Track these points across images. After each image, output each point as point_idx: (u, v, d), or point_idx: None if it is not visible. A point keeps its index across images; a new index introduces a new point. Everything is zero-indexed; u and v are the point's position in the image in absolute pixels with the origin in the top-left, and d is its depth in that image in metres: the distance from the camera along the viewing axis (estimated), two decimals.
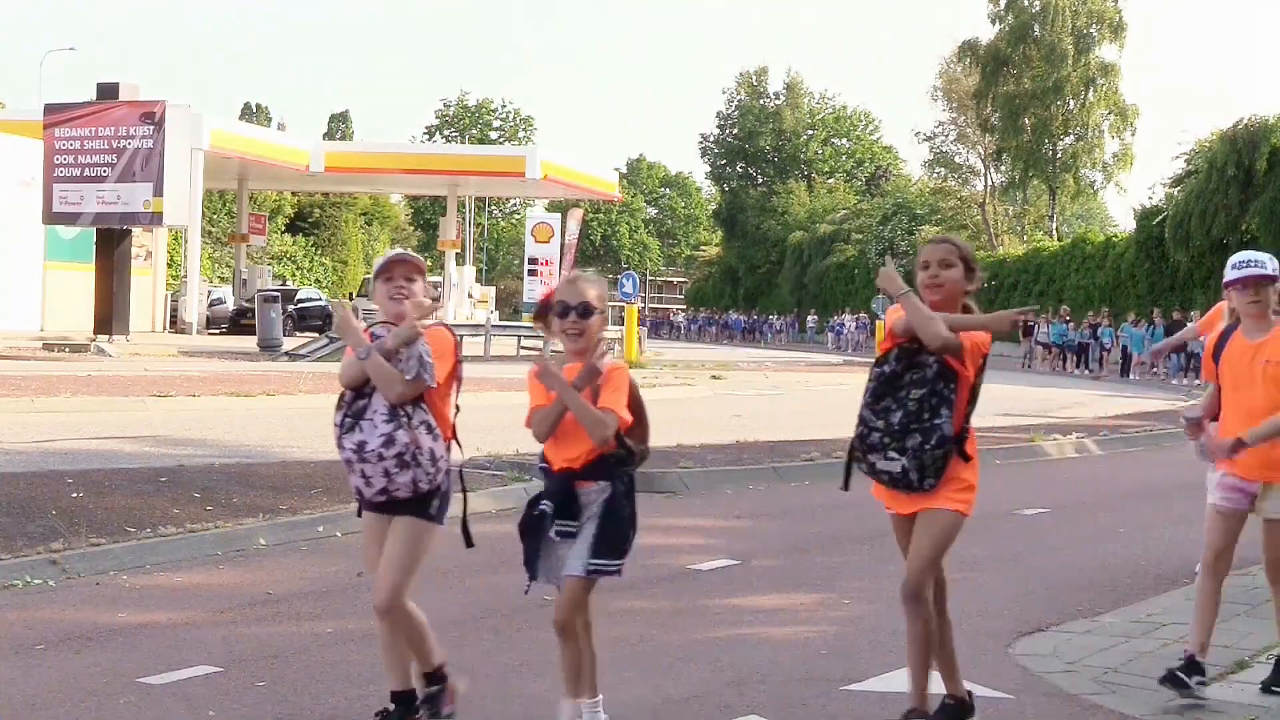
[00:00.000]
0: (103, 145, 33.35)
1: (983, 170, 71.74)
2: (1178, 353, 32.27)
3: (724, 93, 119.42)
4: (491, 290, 56.21)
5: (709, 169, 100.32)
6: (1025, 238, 67.63)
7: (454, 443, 4.85)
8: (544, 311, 4.72)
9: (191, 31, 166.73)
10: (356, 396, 4.70)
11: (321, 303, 51.04)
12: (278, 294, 35.75)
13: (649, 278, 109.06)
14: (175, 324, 45.35)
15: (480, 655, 6.08)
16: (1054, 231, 65.36)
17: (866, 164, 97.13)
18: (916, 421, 4.57)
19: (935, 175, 76.16)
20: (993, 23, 64.63)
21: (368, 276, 62.17)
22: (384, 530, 4.78)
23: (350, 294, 56.98)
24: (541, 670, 5.82)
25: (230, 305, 48.36)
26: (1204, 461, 5.60)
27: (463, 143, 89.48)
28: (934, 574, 4.75)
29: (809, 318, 74.38)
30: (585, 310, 4.62)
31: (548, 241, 49.56)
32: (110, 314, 33.24)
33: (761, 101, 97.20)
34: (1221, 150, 41.21)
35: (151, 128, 33.05)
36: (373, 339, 4.69)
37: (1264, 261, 5.41)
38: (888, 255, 4.99)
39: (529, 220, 55.12)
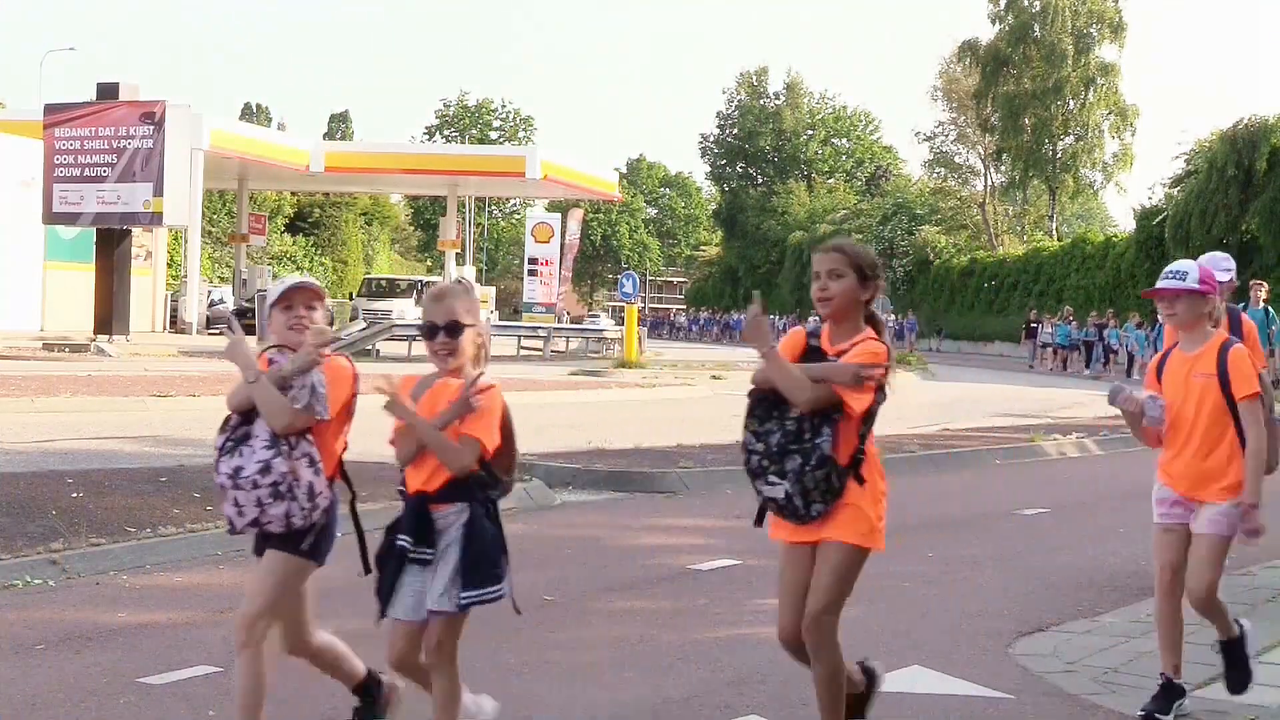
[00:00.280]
0: (103, 145, 33.35)
1: (983, 170, 71.81)
2: None
3: (724, 93, 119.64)
4: (491, 290, 56.15)
5: (709, 169, 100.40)
6: (1025, 238, 67.65)
7: (339, 480, 4.60)
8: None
9: (191, 31, 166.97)
10: (242, 421, 4.48)
11: None
12: None
13: (649, 278, 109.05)
14: (175, 324, 45.37)
15: (480, 655, 6.08)
16: (1054, 231, 65.39)
17: (866, 164, 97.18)
18: (796, 442, 4.22)
19: (935, 175, 76.22)
20: (993, 23, 64.75)
21: (368, 276, 62.22)
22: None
23: (350, 294, 56.90)
24: (542, 670, 5.82)
25: (230, 305, 48.36)
26: (1156, 423, 5.24)
27: (463, 143, 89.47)
28: (838, 614, 4.40)
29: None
30: (454, 328, 4.33)
31: (548, 241, 49.54)
32: (110, 314, 33.24)
33: (761, 101, 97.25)
34: (1221, 150, 41.22)
35: (151, 128, 33.05)
36: (270, 365, 4.49)
37: (1185, 272, 5.24)
38: (756, 294, 4.33)
39: (529, 220, 55.11)
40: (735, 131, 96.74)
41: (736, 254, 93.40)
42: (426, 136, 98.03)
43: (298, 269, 68.07)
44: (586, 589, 7.53)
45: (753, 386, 4.39)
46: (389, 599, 4.37)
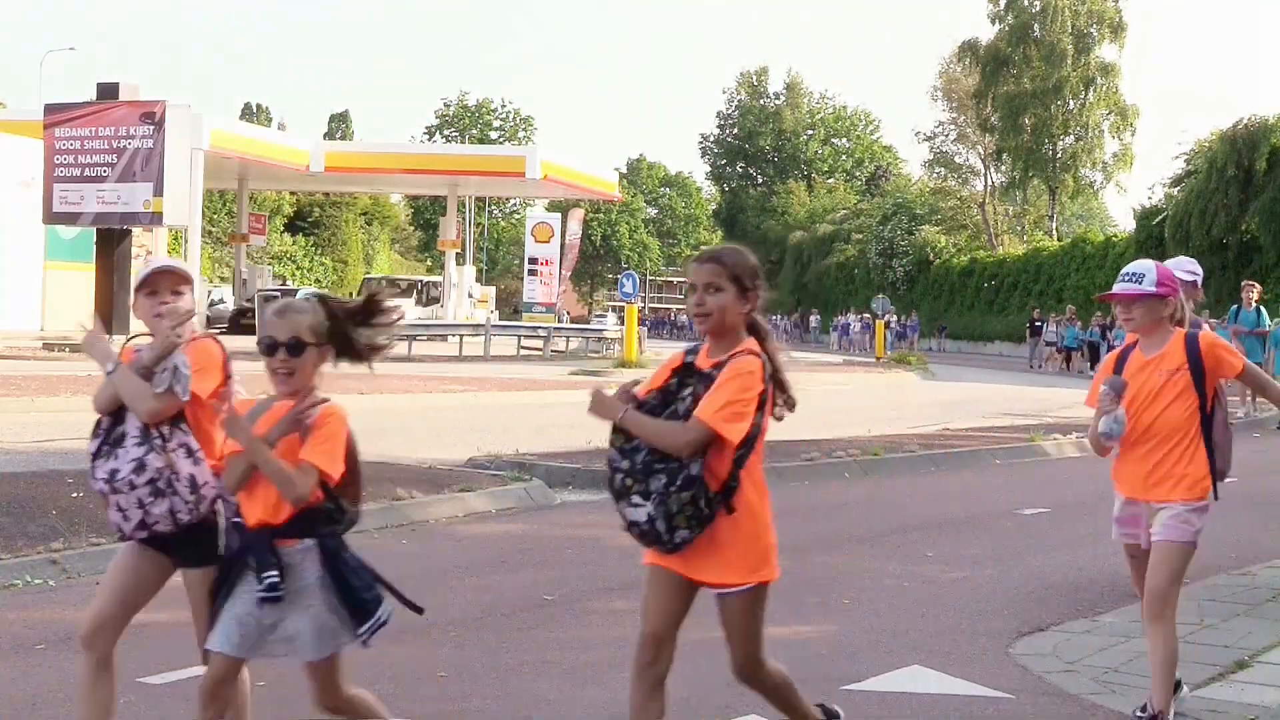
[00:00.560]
0: (103, 145, 33.35)
1: (983, 170, 71.83)
2: None
3: (724, 93, 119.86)
4: (491, 290, 56.19)
5: (709, 169, 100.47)
6: (1025, 238, 67.68)
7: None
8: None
9: (191, 31, 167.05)
10: (115, 422, 4.25)
11: None
12: (278, 294, 35.76)
13: (649, 278, 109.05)
14: None
15: (480, 655, 6.08)
16: (1054, 231, 65.42)
17: (866, 164, 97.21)
18: (663, 460, 3.89)
19: (935, 175, 76.24)
20: (993, 23, 64.78)
21: (368, 276, 62.24)
22: (142, 561, 4.28)
23: (350, 294, 56.92)
24: (541, 670, 5.82)
25: (230, 305, 48.38)
26: (1113, 432, 5.01)
27: (463, 143, 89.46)
28: (763, 650, 4.22)
29: (812, 317, 74.36)
30: (296, 346, 4.00)
31: (548, 241, 49.56)
32: (110, 314, 33.16)
33: (761, 101, 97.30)
34: (1221, 150, 41.22)
35: (151, 128, 33.05)
36: (134, 355, 4.28)
37: (1142, 274, 5.05)
38: (595, 392, 3.98)
39: (529, 220, 55.12)
40: (735, 131, 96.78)
41: None
42: (426, 136, 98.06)
43: (298, 269, 68.13)
44: (586, 589, 7.53)
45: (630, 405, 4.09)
46: (220, 632, 3.97)
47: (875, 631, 6.71)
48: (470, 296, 49.76)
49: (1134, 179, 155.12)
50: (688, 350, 4.13)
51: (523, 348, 37.80)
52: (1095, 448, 5.18)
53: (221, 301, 49.73)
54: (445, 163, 51.69)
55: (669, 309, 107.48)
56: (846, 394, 26.26)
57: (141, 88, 34.93)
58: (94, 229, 34.40)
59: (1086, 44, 62.70)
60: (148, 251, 45.49)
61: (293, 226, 73.15)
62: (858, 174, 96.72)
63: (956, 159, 74.20)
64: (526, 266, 50.30)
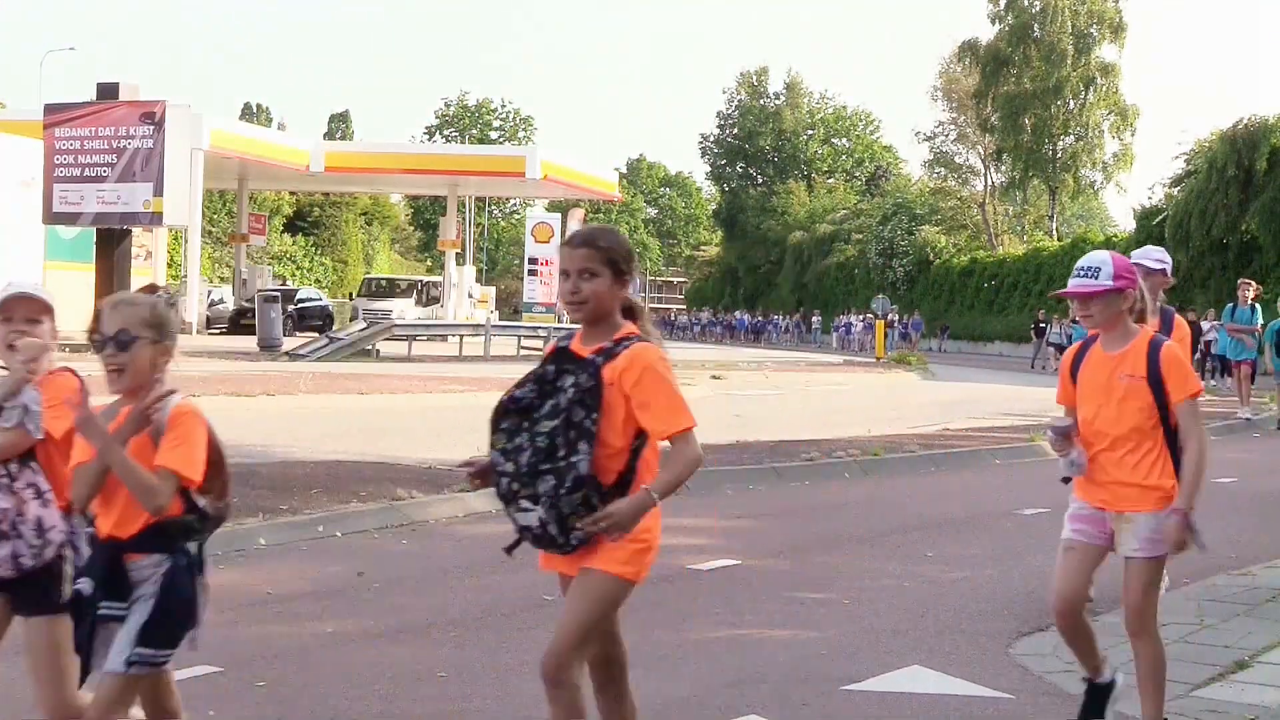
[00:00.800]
0: (103, 145, 33.36)
1: (983, 170, 71.84)
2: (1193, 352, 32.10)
3: (724, 93, 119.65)
4: (491, 290, 56.19)
5: (709, 169, 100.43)
6: (1025, 238, 67.69)
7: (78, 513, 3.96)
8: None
9: (191, 31, 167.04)
10: None
11: (322, 303, 51.01)
12: (278, 294, 35.77)
13: (649, 278, 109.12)
14: None
15: (480, 655, 6.08)
16: (1054, 231, 65.43)
17: (866, 164, 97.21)
18: (549, 460, 3.65)
19: (935, 175, 76.26)
20: (993, 23, 64.78)
21: (368, 276, 62.24)
22: None
23: (350, 294, 56.94)
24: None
25: (230, 305, 48.39)
26: (1073, 474, 4.91)
27: (463, 143, 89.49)
28: (583, 652, 3.81)
29: (813, 318, 74.39)
30: (123, 341, 3.74)
31: (548, 241, 49.51)
32: None
33: (761, 101, 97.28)
34: (1221, 150, 41.22)
35: (151, 128, 33.06)
36: None
37: (1098, 268, 4.70)
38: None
39: (529, 220, 55.10)
40: (735, 131, 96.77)
41: (736, 254, 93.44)
42: (426, 136, 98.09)
43: (298, 269, 68.15)
44: None
45: (503, 397, 3.85)
46: (88, 656, 3.76)
47: (875, 631, 6.71)
48: (470, 296, 49.80)
49: (1134, 179, 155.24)
50: (561, 337, 3.95)
51: (523, 348, 37.79)
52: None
53: (221, 301, 49.73)
54: (445, 163, 51.72)
55: (669, 309, 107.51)
56: (846, 394, 26.25)
57: (141, 88, 34.95)
58: (94, 229, 34.41)
59: (1086, 44, 62.70)
60: (148, 252, 45.55)
61: (293, 226, 73.20)
62: (858, 174, 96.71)
63: (956, 159, 74.27)
64: (526, 266, 50.27)
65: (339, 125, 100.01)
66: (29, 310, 4.07)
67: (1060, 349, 41.40)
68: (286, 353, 31.78)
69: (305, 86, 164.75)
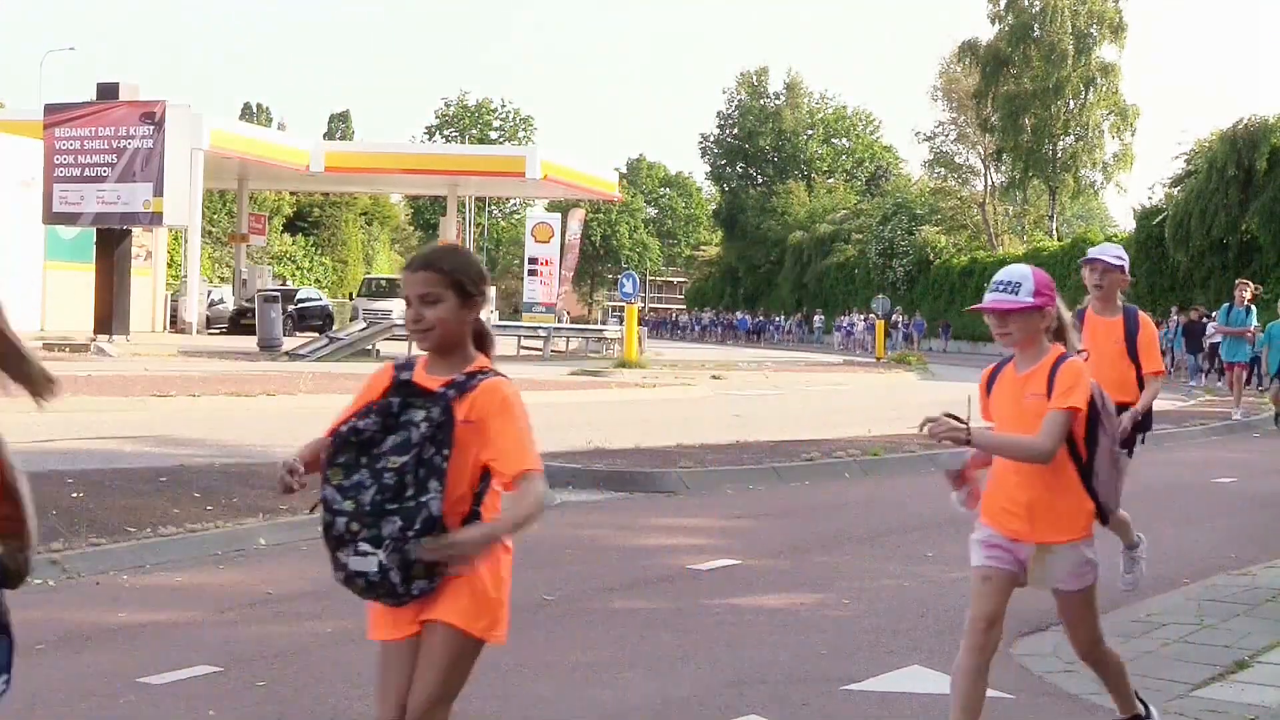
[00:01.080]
0: (103, 145, 33.38)
1: (983, 170, 71.86)
2: (1195, 352, 32.12)
3: (724, 93, 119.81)
4: (491, 290, 56.15)
5: (709, 169, 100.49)
6: (1025, 238, 67.69)
7: None
8: None
9: (191, 31, 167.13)
10: None
11: (322, 303, 51.01)
12: (278, 294, 35.77)
13: (649, 278, 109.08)
14: (175, 324, 45.40)
15: (481, 655, 6.08)
16: (1054, 231, 65.42)
17: (866, 164, 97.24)
18: (397, 499, 3.27)
19: (935, 175, 76.28)
20: (993, 23, 64.78)
21: (368, 276, 62.21)
22: None
23: (350, 294, 56.91)
24: (541, 671, 5.82)
25: (230, 305, 48.39)
26: (963, 511, 4.63)
27: (463, 143, 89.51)
28: (447, 709, 3.49)
29: (815, 317, 74.37)
30: None
31: (548, 241, 49.56)
32: (110, 314, 33.26)
33: (761, 101, 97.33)
34: (1221, 150, 41.23)
35: (151, 128, 33.08)
36: None
37: (1018, 283, 4.43)
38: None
39: (529, 220, 55.11)
40: (735, 131, 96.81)
41: (736, 254, 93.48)
42: (426, 136, 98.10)
43: (298, 269, 68.16)
44: (586, 589, 7.53)
45: (342, 427, 3.43)
46: None
47: (875, 631, 6.71)
48: None
49: (1134, 179, 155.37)
50: (398, 366, 3.55)
51: (523, 348, 37.81)
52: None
53: (221, 301, 49.74)
54: (445, 163, 51.75)
55: (669, 309, 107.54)
56: (846, 394, 26.26)
57: (141, 88, 34.98)
58: (94, 229, 34.42)
59: (1087, 44, 62.69)
60: (148, 252, 45.57)
61: (293, 226, 73.21)
62: (858, 174, 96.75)
63: (956, 159, 74.30)
64: (526, 266, 50.29)
65: (339, 125, 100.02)
66: None
67: None
68: (286, 353, 31.78)
69: (305, 86, 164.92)
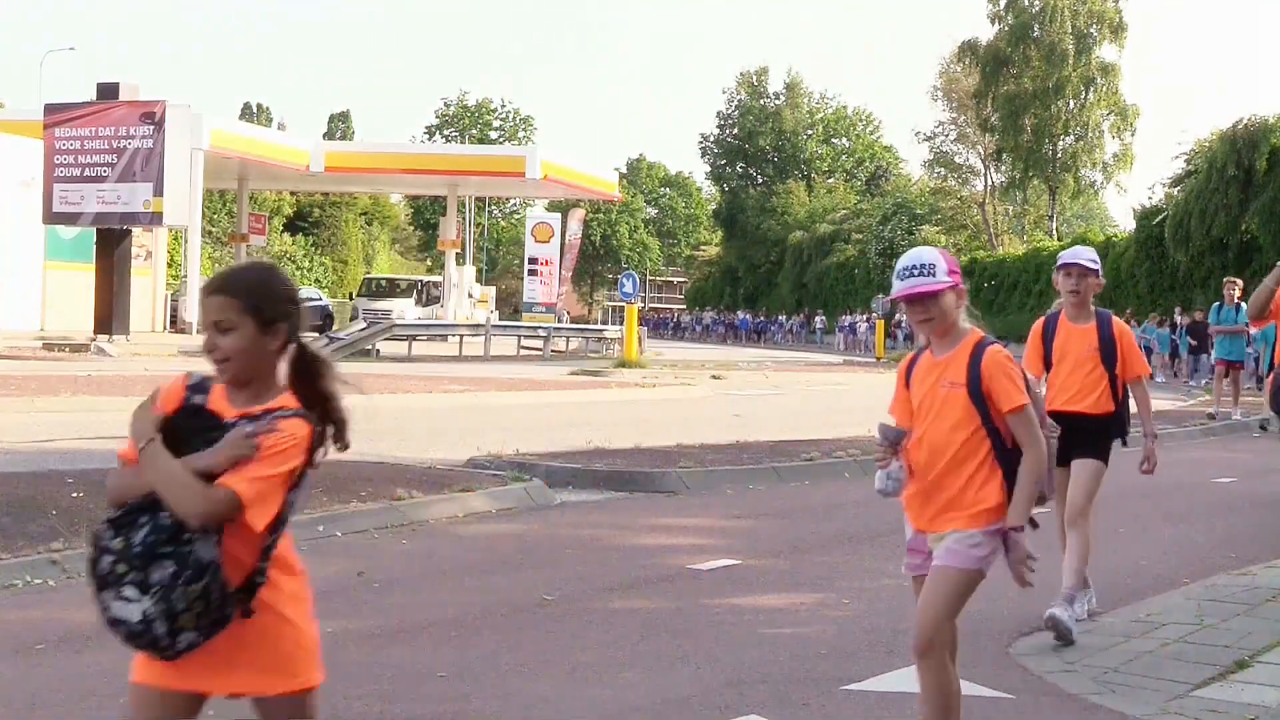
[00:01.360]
0: (103, 145, 33.36)
1: (983, 170, 71.88)
2: (1198, 353, 32.15)
3: (724, 93, 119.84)
4: (491, 290, 56.20)
5: (709, 169, 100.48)
6: (1025, 238, 67.70)
7: None
8: None
9: (191, 31, 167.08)
10: None
11: (322, 303, 51.00)
12: None
13: (649, 278, 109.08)
14: (175, 324, 45.38)
15: (480, 655, 6.08)
16: (1054, 231, 65.44)
17: (866, 164, 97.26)
18: (172, 542, 2.92)
19: (935, 175, 76.31)
20: (993, 23, 64.80)
21: (368, 276, 62.24)
22: None
23: (350, 294, 56.95)
24: (541, 671, 5.82)
25: None
26: (887, 490, 4.44)
27: (463, 143, 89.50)
28: None
29: (816, 318, 74.38)
30: None
31: (548, 241, 49.61)
32: (110, 314, 33.25)
33: (761, 101, 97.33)
34: (1221, 150, 41.24)
35: (151, 128, 33.06)
36: None
37: (933, 265, 4.23)
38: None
39: (529, 220, 55.17)
40: (735, 131, 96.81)
41: (736, 254, 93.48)
42: (426, 136, 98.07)
43: (298, 269, 68.14)
44: (586, 589, 7.53)
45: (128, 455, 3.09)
46: None
47: (875, 631, 6.70)
48: (470, 296, 49.82)
49: (1134, 179, 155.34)
50: (191, 385, 3.17)
51: (523, 348, 37.83)
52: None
53: None
54: (445, 163, 51.71)
55: (669, 309, 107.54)
56: (847, 394, 26.25)
57: (141, 88, 34.95)
58: (94, 229, 34.42)
59: (1086, 44, 62.71)
60: (148, 252, 45.56)
61: (293, 226, 73.23)
62: (858, 174, 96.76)
63: (956, 159, 74.31)
64: (526, 266, 50.34)
65: (339, 125, 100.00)
66: None
67: None
68: None
69: (305, 86, 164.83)
